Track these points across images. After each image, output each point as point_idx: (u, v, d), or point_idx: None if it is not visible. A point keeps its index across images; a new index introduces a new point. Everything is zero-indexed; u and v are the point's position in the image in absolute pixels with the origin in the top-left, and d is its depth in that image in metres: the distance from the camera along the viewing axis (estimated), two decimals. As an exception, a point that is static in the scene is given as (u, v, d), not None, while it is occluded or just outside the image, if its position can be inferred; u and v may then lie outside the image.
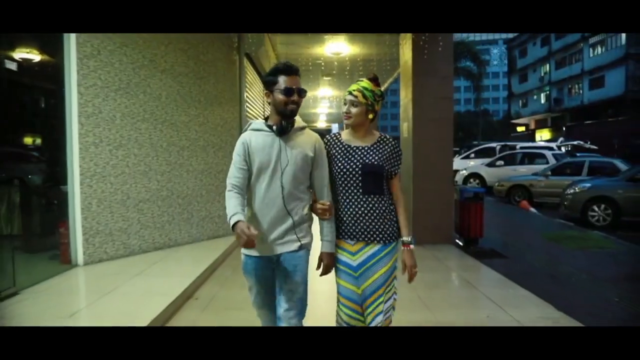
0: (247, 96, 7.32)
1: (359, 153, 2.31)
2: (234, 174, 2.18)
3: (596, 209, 8.98)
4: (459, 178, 15.63)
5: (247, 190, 2.21)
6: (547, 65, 44.11)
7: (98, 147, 4.92)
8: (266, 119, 2.27)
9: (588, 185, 9.28)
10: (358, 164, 2.28)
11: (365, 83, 2.32)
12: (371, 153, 2.31)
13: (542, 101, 45.52)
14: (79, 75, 4.72)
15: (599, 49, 37.54)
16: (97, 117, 4.90)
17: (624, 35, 34.27)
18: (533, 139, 42.40)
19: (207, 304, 4.05)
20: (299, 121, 2.28)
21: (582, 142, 19.42)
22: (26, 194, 5.06)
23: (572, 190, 9.50)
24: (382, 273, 2.24)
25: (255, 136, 2.20)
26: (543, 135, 41.72)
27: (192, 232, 6.13)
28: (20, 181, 5.07)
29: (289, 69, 2.19)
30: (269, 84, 2.20)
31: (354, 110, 2.29)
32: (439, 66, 6.67)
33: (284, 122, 2.16)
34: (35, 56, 5.12)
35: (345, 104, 2.35)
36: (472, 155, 17.71)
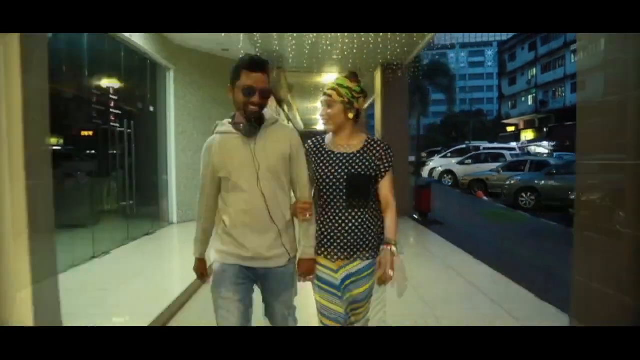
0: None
1: (344, 161, 2.09)
2: (202, 202, 2.08)
3: (524, 195, 12.17)
4: (436, 174, 18.90)
5: (218, 200, 2.06)
6: (534, 69, 46.33)
7: (185, 152, 8.07)
8: (233, 117, 2.04)
9: (519, 178, 12.47)
10: (343, 174, 2.06)
11: (340, 80, 2.12)
12: (357, 161, 2.09)
13: (530, 103, 47.51)
14: (175, 107, 7.87)
15: (581, 54, 39.98)
16: (184, 133, 8.06)
17: (603, 42, 36.79)
18: (518, 139, 45.22)
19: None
20: (270, 115, 2.03)
21: (539, 144, 22.71)
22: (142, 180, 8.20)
23: (508, 182, 12.68)
24: (364, 290, 2.08)
25: (222, 140, 1.99)
26: (527, 136, 44.58)
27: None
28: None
29: (252, 64, 1.92)
30: (231, 78, 1.96)
31: (330, 111, 2.09)
32: (398, 95, 9.82)
33: (252, 121, 1.94)
34: (150, 95, 8.23)
35: (322, 106, 2.13)
36: (449, 154, 20.91)
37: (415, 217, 9.91)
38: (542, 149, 26.03)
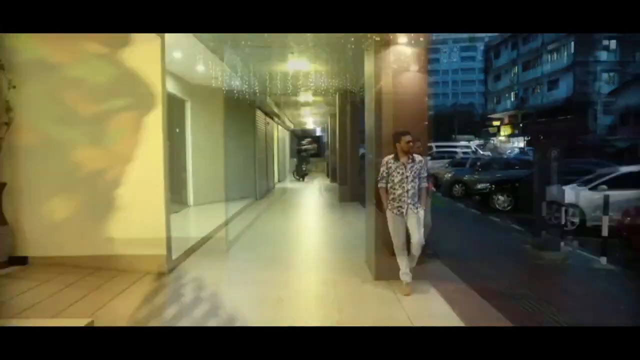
0: (258, 127, 14.14)
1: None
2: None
3: (457, 186, 15.79)
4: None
5: None
6: (516, 67, 48.95)
7: (197, 156, 11.72)
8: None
9: (452, 173, 16.12)
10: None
11: None
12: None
13: (512, 99, 50.12)
14: (191, 127, 11.50)
15: (555, 55, 41.81)
16: (198, 143, 11.68)
17: (573, 43, 39.12)
18: (499, 134, 48.26)
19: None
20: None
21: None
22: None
23: (446, 177, 16.31)
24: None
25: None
26: (506, 131, 47.64)
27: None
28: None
29: None
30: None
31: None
32: (349, 113, 13.48)
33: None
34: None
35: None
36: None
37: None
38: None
